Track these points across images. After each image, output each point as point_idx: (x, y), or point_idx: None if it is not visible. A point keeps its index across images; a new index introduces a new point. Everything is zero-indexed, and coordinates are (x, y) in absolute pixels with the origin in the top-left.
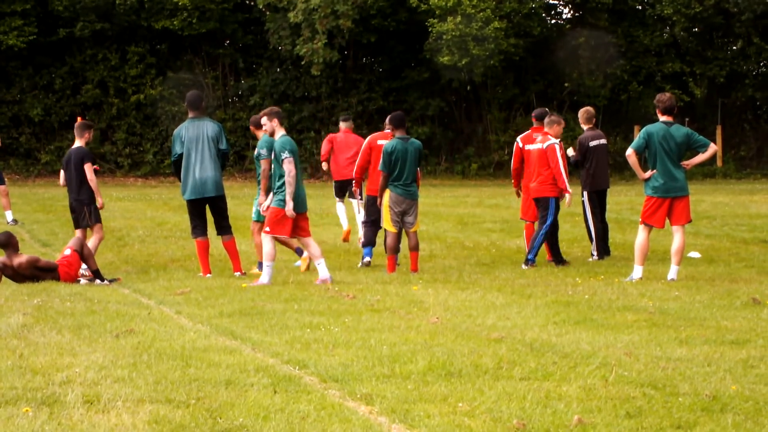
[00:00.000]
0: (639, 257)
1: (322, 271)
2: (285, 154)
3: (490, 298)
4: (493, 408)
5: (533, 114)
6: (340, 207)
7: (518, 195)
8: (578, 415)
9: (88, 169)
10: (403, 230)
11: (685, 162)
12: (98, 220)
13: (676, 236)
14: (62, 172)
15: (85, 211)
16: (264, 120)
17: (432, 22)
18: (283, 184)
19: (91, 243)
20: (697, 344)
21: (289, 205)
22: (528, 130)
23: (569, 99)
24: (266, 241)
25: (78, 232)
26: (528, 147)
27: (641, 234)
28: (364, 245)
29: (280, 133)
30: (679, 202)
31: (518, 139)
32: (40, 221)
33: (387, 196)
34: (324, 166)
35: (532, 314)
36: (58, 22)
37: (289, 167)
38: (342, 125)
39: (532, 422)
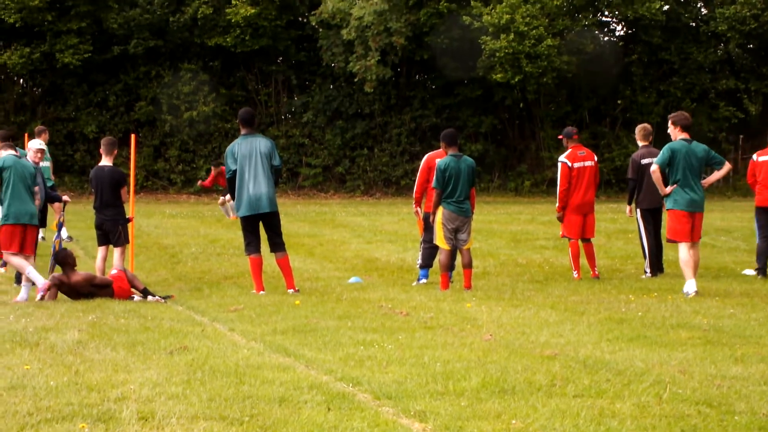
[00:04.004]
0: (687, 272)
1: (23, 292)
2: None
3: (543, 315)
4: (546, 425)
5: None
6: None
7: (560, 220)
8: None
9: (125, 193)
10: (457, 247)
11: (703, 180)
12: (128, 240)
13: (691, 252)
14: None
15: (120, 230)
16: None
17: (485, 39)
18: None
19: (116, 260)
20: (753, 362)
21: None
22: (576, 148)
23: (622, 116)
24: (9, 259)
25: (101, 250)
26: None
27: (682, 249)
28: (422, 267)
29: (6, 153)
30: (698, 218)
31: (563, 157)
32: (94, 238)
33: (440, 213)
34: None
35: (585, 331)
36: (112, 40)
37: None
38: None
39: None
